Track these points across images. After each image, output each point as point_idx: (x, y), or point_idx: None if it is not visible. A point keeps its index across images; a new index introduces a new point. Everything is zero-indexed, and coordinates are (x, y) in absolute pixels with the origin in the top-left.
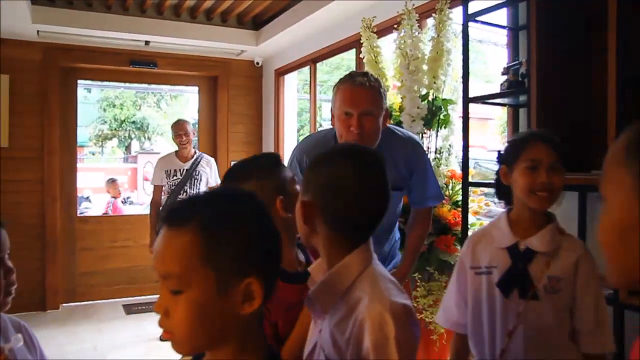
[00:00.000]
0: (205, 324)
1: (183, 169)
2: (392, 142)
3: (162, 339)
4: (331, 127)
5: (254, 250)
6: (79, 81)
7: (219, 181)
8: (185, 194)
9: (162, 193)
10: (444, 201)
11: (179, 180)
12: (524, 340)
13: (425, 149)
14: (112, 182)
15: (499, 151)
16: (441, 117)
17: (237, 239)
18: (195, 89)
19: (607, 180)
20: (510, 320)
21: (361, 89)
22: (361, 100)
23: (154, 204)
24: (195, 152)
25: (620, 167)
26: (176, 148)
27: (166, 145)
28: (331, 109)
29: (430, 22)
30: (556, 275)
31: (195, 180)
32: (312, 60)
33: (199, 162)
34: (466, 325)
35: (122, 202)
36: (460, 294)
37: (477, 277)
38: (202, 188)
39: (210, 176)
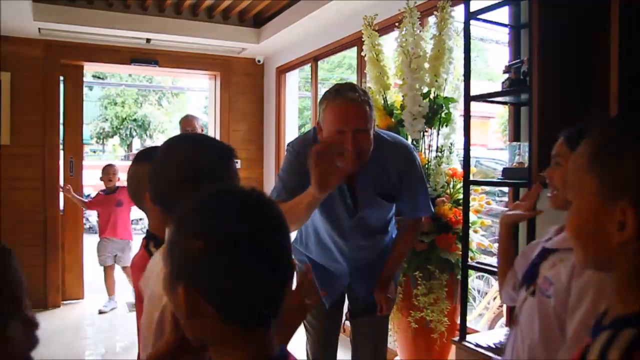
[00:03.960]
0: None
1: None
2: (381, 148)
3: None
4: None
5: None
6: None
7: None
8: None
9: None
10: (444, 199)
11: None
12: (517, 331)
13: (422, 150)
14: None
15: None
16: (442, 115)
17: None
18: (197, 87)
19: (573, 185)
20: (518, 307)
21: (353, 106)
22: (354, 117)
23: None
24: None
25: (586, 173)
26: None
27: None
28: (318, 122)
29: (431, 20)
30: (549, 277)
31: None
32: (314, 58)
33: None
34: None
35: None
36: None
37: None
38: None
39: None
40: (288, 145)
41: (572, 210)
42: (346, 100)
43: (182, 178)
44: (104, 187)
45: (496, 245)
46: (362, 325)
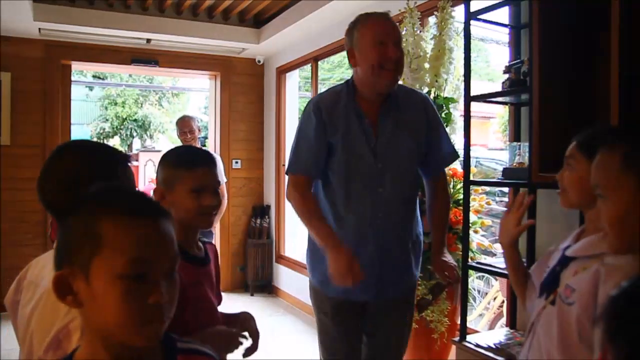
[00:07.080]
0: None
1: None
2: (405, 95)
3: None
4: (342, 83)
5: None
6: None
7: (224, 179)
8: None
9: None
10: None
11: None
12: (534, 340)
13: None
14: None
15: None
16: (443, 115)
17: None
18: (197, 87)
19: (608, 184)
20: (534, 316)
21: (390, 21)
22: (392, 30)
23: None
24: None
25: (621, 173)
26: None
27: (168, 143)
28: (351, 49)
29: (432, 20)
30: (571, 285)
31: None
32: (314, 59)
33: None
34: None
35: None
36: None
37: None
38: None
39: None
40: (308, 104)
41: (610, 203)
42: (382, 17)
43: (71, 182)
44: None
45: (496, 245)
46: (388, 327)
